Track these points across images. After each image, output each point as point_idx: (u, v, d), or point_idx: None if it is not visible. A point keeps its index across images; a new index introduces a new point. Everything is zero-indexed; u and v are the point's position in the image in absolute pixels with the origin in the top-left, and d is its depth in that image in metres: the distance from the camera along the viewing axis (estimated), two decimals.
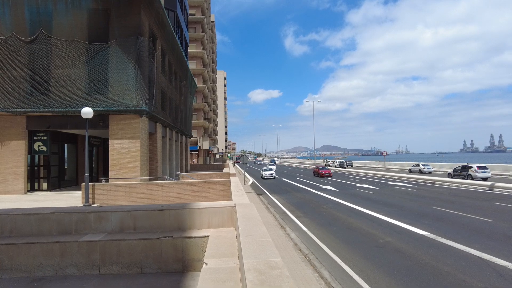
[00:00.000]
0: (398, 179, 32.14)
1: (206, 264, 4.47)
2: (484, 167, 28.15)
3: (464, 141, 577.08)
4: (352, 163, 60.36)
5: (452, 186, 24.61)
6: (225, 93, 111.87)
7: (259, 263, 3.09)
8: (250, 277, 2.74)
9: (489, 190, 21.39)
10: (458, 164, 33.29)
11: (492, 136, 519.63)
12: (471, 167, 28.74)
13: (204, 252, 5.86)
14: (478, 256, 8.19)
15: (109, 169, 16.42)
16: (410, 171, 40.57)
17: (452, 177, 30.08)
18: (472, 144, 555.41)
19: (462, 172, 29.45)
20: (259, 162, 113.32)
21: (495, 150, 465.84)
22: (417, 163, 40.85)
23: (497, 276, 6.91)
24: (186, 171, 32.10)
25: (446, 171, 36.49)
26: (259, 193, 23.34)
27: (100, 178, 16.65)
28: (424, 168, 37.99)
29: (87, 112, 12.80)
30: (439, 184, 26.01)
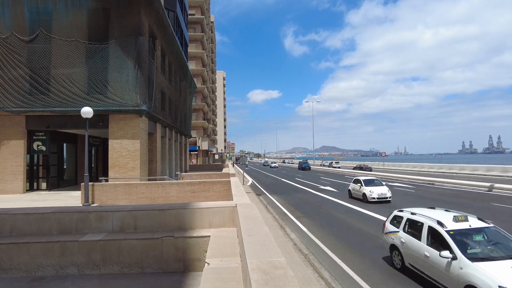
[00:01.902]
0: (398, 179, 32.20)
1: (208, 264, 4.46)
2: (337, 162, 63.76)
3: (463, 142, 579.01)
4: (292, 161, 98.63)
5: (451, 187, 24.67)
6: (224, 93, 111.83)
7: (262, 262, 3.09)
8: (255, 276, 2.74)
9: (488, 191, 21.46)
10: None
11: (490, 137, 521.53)
12: (332, 161, 65.87)
13: (205, 252, 5.85)
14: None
15: (109, 169, 16.40)
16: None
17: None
18: (471, 145, 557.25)
19: (331, 164, 62.16)
20: (272, 165, 75.90)
21: (494, 151, 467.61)
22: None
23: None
24: (186, 171, 32.08)
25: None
26: (259, 193, 23.33)
27: (100, 178, 16.62)
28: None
29: (87, 111, 12.77)
30: (438, 185, 26.07)
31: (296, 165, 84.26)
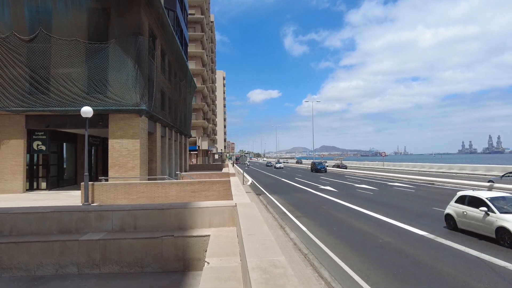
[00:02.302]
0: (398, 179, 32.21)
1: (208, 263, 4.46)
2: (325, 162, 64.02)
3: (463, 142, 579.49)
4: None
5: (451, 186, 24.67)
6: (224, 93, 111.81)
7: (262, 261, 3.09)
8: (255, 275, 2.74)
9: (488, 190, 21.43)
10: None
11: (490, 137, 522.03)
12: (321, 161, 58.63)
13: (205, 251, 5.86)
14: (477, 257, 8.21)
15: (109, 168, 16.40)
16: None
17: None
18: (470, 145, 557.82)
19: (298, 163, 77.89)
20: (277, 165, 65.77)
21: (493, 151, 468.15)
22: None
23: (496, 277, 6.94)
24: (185, 171, 32.08)
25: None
26: (258, 193, 23.34)
27: (100, 178, 16.63)
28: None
29: (86, 111, 12.77)
30: (438, 185, 26.08)
31: (296, 165, 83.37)
